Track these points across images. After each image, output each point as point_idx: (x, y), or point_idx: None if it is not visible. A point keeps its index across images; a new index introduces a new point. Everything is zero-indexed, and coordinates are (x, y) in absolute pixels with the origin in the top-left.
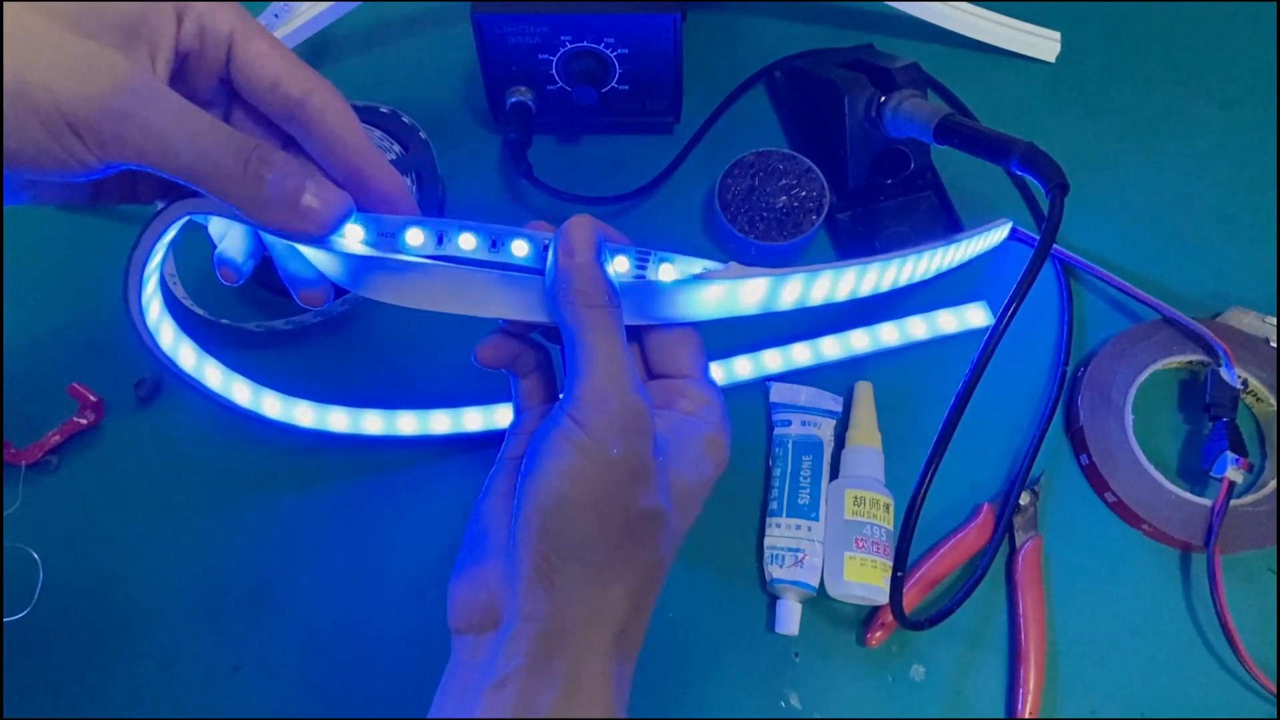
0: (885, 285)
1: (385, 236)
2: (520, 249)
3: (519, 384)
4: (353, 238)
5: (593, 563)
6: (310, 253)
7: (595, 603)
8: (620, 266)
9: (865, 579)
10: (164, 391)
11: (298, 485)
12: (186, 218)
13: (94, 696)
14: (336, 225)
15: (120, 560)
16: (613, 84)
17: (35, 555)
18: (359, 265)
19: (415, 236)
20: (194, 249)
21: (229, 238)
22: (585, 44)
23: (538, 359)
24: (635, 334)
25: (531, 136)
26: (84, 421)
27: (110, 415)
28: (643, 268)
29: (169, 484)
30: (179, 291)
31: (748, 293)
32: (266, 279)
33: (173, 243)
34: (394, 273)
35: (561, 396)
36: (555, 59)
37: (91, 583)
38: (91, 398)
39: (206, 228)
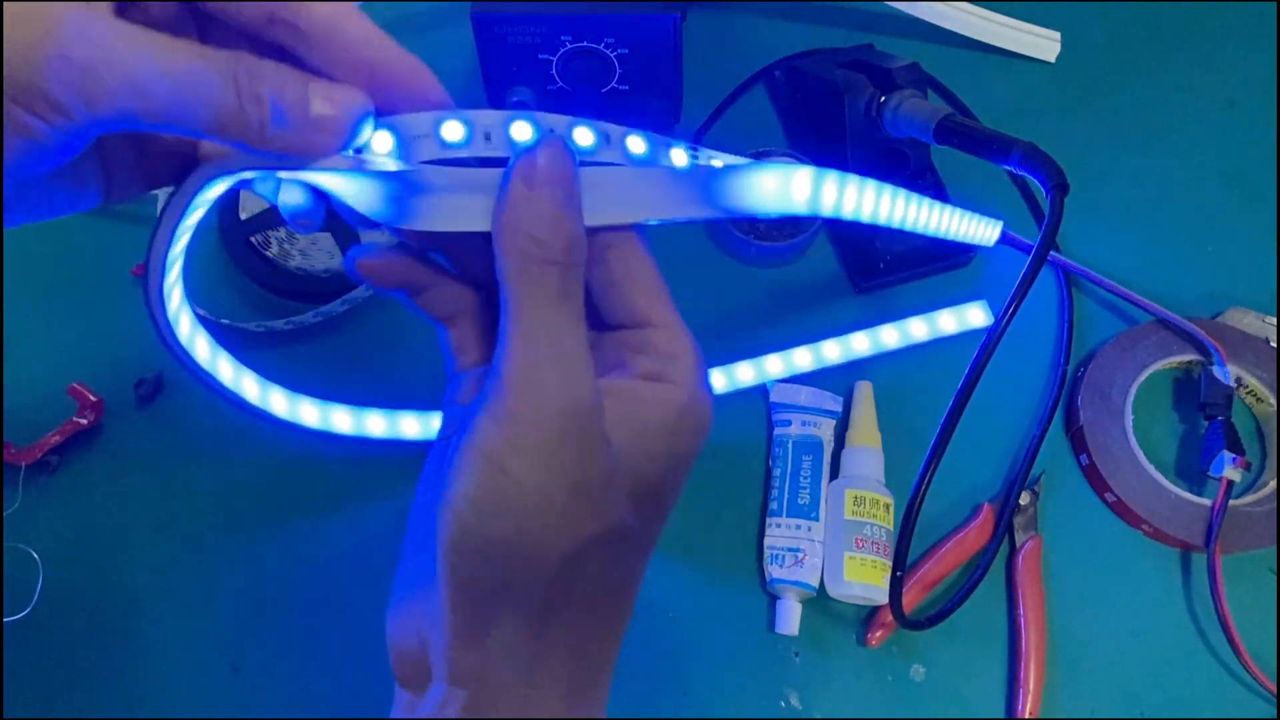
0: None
1: (419, 139)
2: (585, 138)
3: (446, 335)
4: (380, 150)
5: (527, 610)
6: (344, 188)
7: (535, 658)
8: (679, 159)
9: (865, 579)
10: (164, 391)
11: (298, 484)
12: (220, 180)
13: (94, 696)
14: (356, 128)
15: (120, 560)
16: (613, 84)
17: (35, 555)
18: (400, 190)
19: (453, 130)
20: (195, 247)
21: (283, 189)
22: (585, 44)
23: (466, 297)
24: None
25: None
26: (84, 421)
27: (110, 415)
28: (695, 156)
29: (169, 484)
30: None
31: (798, 186)
32: (266, 278)
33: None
34: (442, 191)
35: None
36: (555, 59)
37: (91, 583)
38: (91, 398)
39: (252, 186)
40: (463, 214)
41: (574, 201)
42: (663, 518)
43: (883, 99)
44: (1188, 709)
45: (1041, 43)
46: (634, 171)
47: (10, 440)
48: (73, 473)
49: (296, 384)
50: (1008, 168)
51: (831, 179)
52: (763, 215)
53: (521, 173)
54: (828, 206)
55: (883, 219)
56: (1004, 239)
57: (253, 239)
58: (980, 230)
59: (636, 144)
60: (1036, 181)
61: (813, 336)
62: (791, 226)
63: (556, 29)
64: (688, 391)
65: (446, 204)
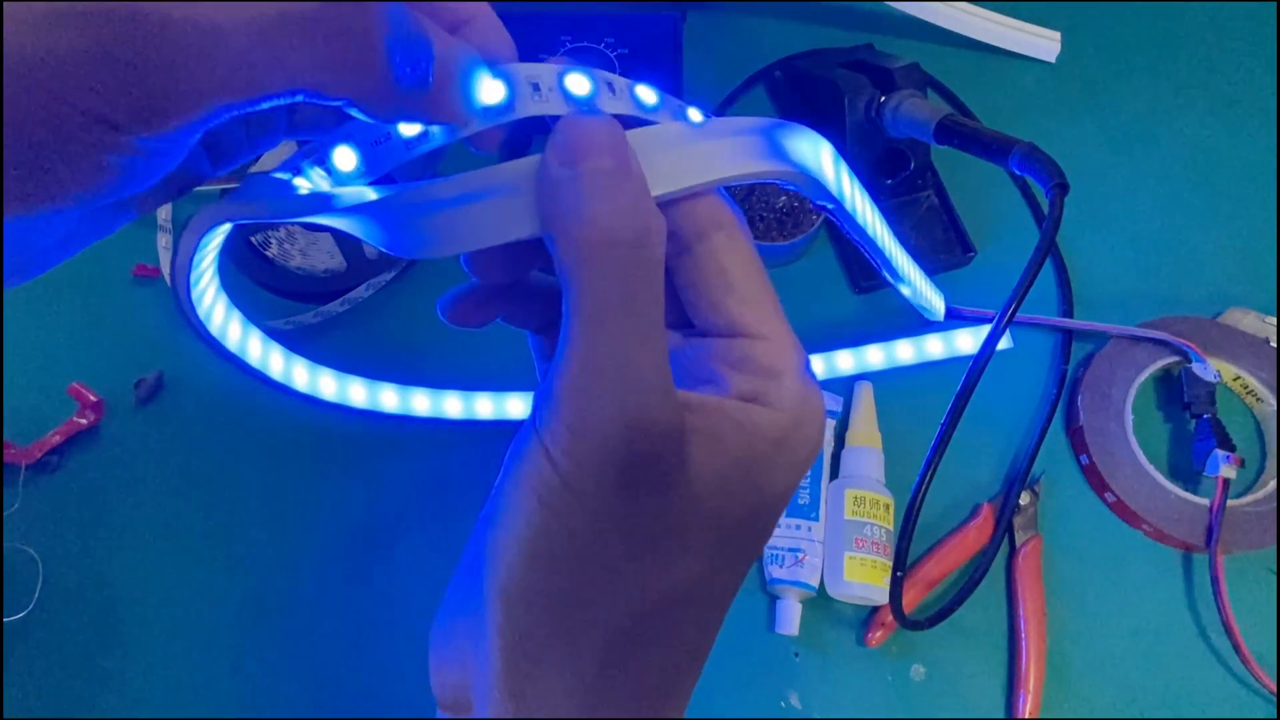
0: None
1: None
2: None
3: (536, 343)
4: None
5: (578, 667)
6: (354, 229)
7: (587, 713)
8: (695, 116)
9: (865, 579)
10: (164, 391)
11: (297, 485)
12: (220, 227)
13: (94, 696)
14: (470, 85)
15: (120, 560)
16: None
17: (35, 555)
18: (409, 217)
19: (493, 90)
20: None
21: None
22: (585, 44)
23: (550, 305)
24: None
25: (531, 137)
26: (84, 421)
27: (110, 415)
28: (682, 112)
29: (168, 484)
30: None
31: (825, 155)
32: (267, 279)
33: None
34: (460, 203)
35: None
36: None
37: (91, 583)
38: (91, 398)
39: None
40: (498, 222)
41: (628, 167)
42: (745, 566)
43: (883, 99)
44: (1188, 709)
45: (1041, 43)
46: (689, 126)
47: (10, 440)
48: (73, 473)
49: None
50: (1008, 168)
51: (843, 163)
52: (802, 172)
53: (555, 152)
54: (833, 184)
55: (869, 228)
56: (950, 312)
57: (253, 239)
58: (933, 298)
59: (647, 95)
60: (1036, 182)
61: (812, 336)
62: (791, 226)
63: (556, 29)
64: (791, 417)
65: (474, 217)
